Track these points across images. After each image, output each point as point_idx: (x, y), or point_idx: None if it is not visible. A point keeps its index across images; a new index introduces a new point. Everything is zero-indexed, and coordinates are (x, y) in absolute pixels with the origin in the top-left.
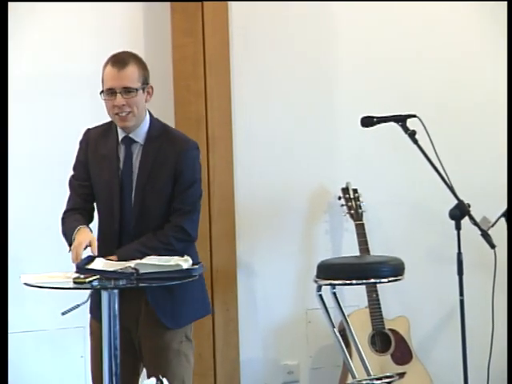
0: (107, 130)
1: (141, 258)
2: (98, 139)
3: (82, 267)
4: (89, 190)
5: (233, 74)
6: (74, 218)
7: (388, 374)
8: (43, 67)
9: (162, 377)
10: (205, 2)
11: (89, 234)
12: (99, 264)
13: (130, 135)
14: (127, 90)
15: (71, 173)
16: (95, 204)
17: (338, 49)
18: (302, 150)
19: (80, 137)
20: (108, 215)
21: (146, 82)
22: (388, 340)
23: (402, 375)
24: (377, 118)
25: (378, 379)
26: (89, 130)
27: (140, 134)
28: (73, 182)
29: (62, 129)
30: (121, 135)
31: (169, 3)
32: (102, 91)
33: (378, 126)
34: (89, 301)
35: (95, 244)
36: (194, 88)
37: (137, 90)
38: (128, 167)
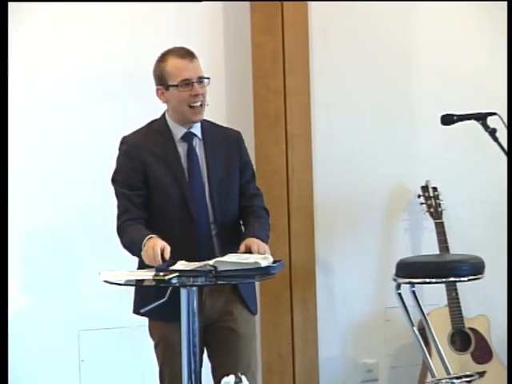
0: (148, 132)
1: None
2: (146, 142)
3: (164, 268)
4: (145, 199)
5: (312, 72)
6: (137, 227)
7: (468, 373)
8: (125, 65)
9: (247, 365)
10: (284, 2)
11: (162, 241)
12: (181, 266)
13: (192, 130)
14: (201, 80)
15: (115, 183)
16: (154, 209)
17: (417, 48)
18: (381, 147)
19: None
20: (178, 215)
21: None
22: (468, 339)
23: (482, 374)
24: (457, 115)
25: (457, 378)
26: (126, 137)
27: (198, 128)
28: (126, 193)
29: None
30: (180, 132)
31: (248, 2)
32: (170, 85)
33: (458, 123)
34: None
35: (168, 250)
36: (272, 86)
37: (208, 79)
38: (194, 164)
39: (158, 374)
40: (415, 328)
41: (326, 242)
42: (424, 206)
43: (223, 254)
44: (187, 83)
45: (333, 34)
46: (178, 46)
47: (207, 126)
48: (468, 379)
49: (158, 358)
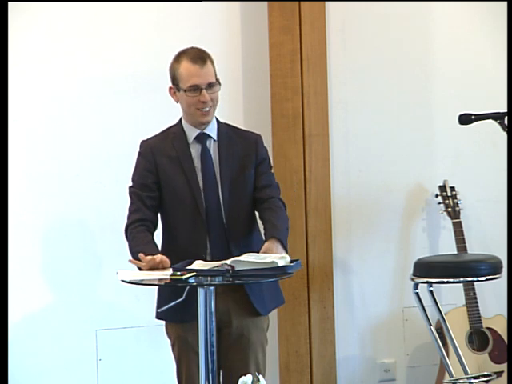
0: (166, 136)
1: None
2: (162, 145)
3: (181, 268)
4: (157, 201)
5: (330, 71)
6: (145, 237)
7: (486, 373)
8: (143, 66)
9: (255, 368)
10: (302, 2)
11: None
12: (198, 266)
13: (206, 131)
14: (211, 85)
15: (131, 184)
16: (166, 209)
17: (435, 47)
18: (399, 147)
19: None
20: (191, 215)
21: (217, 76)
22: (486, 338)
23: (499, 374)
24: (475, 115)
25: (475, 378)
26: (144, 140)
27: (213, 130)
28: (139, 194)
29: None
30: (193, 134)
31: (266, 2)
32: (180, 88)
33: (476, 123)
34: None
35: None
36: (290, 85)
37: (219, 84)
38: (208, 164)
39: (176, 374)
40: (433, 328)
41: (343, 241)
42: (442, 205)
43: (236, 253)
44: (195, 89)
45: (350, 33)
46: (194, 46)
47: (224, 128)
48: (486, 379)
49: (175, 358)
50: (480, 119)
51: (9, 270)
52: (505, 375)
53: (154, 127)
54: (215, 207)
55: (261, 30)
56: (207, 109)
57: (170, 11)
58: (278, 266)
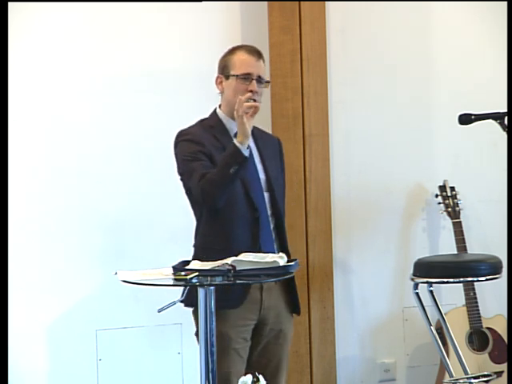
0: (203, 128)
1: None
2: (204, 135)
3: (180, 268)
4: None
5: (330, 71)
6: None
7: (486, 373)
8: (142, 66)
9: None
10: (302, 2)
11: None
12: (196, 265)
13: None
14: (260, 81)
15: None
16: None
17: (435, 47)
18: (399, 147)
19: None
20: (242, 206)
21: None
22: (486, 338)
23: (499, 374)
24: (475, 115)
25: (475, 378)
26: (185, 129)
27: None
28: (203, 164)
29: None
30: (235, 127)
31: (266, 2)
32: (231, 75)
33: (476, 123)
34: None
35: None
36: (290, 85)
37: (267, 82)
38: (251, 161)
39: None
40: (433, 328)
41: (343, 241)
42: (442, 205)
43: (280, 248)
44: (247, 78)
45: (350, 33)
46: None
47: (252, 128)
48: (486, 379)
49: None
50: (480, 119)
51: (9, 269)
52: (505, 375)
53: (154, 127)
54: (262, 202)
55: (261, 29)
56: (252, 100)
57: (170, 11)
58: (280, 266)
